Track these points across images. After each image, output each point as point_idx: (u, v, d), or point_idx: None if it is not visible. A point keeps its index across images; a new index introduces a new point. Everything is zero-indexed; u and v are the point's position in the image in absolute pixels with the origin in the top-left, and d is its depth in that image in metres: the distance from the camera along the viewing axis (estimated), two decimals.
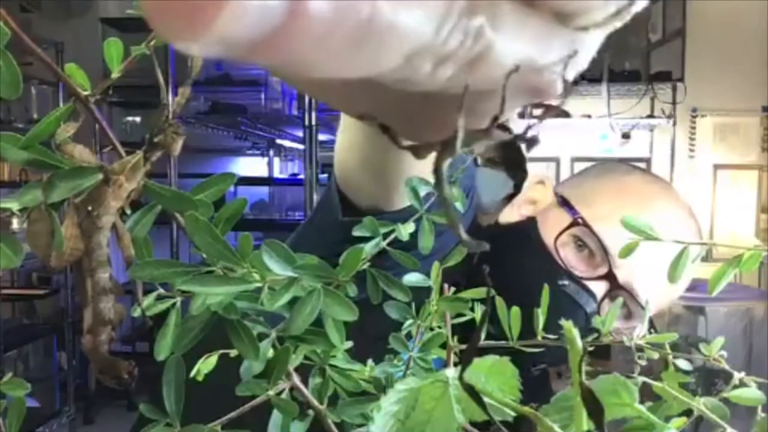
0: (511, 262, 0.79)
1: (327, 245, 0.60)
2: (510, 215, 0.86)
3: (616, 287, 0.75)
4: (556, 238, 0.78)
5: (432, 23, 0.18)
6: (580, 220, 0.77)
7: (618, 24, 0.22)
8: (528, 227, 0.82)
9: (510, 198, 0.89)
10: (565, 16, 0.20)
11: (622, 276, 0.75)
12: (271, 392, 0.36)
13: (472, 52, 0.19)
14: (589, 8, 0.20)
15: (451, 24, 0.18)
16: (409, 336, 0.42)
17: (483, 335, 0.31)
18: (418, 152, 0.23)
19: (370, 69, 0.19)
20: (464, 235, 0.22)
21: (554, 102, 0.24)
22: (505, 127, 0.24)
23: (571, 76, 0.23)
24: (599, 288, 0.76)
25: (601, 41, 0.24)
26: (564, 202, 0.81)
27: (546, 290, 0.42)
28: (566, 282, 0.75)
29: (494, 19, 0.19)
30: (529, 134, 0.24)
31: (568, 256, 0.78)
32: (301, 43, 0.17)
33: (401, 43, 0.18)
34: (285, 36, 0.16)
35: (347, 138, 0.57)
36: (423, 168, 0.57)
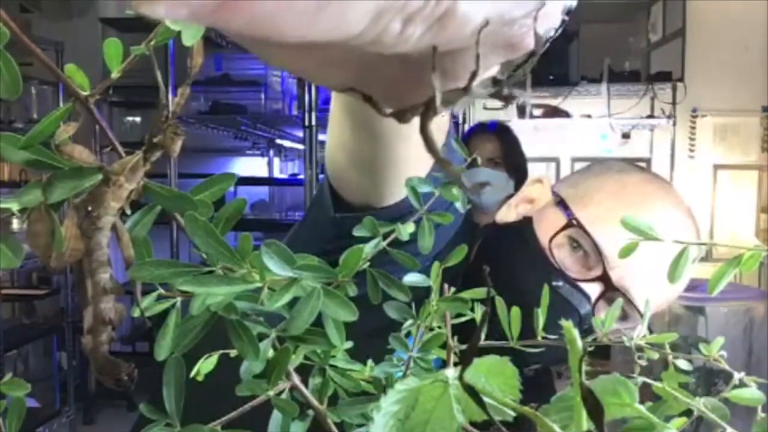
0: (505, 262, 0.78)
1: (320, 241, 0.60)
2: (507, 214, 0.86)
3: (610, 289, 0.75)
4: (551, 239, 0.78)
5: None
6: (574, 221, 0.77)
7: None
8: (523, 227, 0.81)
9: (509, 199, 0.89)
10: None
11: (616, 277, 0.75)
12: (271, 392, 0.36)
13: (438, 9, 0.20)
14: None
15: None
16: (408, 336, 0.42)
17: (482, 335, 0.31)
18: (402, 117, 0.23)
19: (337, 31, 0.19)
20: (468, 185, 0.23)
21: (527, 59, 0.24)
22: (496, 81, 0.24)
23: (542, 29, 0.23)
24: (593, 290, 0.75)
25: None
26: (560, 202, 0.81)
27: (546, 291, 0.42)
28: (560, 283, 0.75)
29: None
30: (506, 91, 0.24)
31: (563, 257, 0.77)
32: (263, 4, 0.17)
33: (365, 2, 0.18)
34: (241, 2, 0.16)
35: (337, 136, 0.57)
36: (411, 164, 0.57)
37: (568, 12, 0.24)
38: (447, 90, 0.22)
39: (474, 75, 0.22)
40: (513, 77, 0.24)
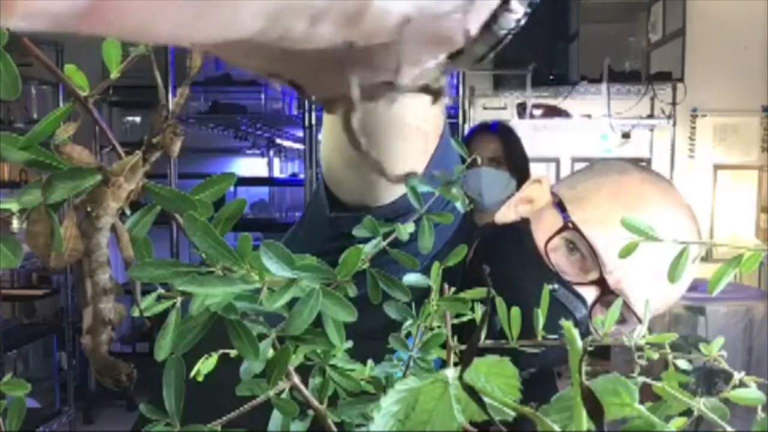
0: (501, 264, 0.78)
1: (318, 241, 0.60)
2: (506, 215, 0.85)
3: (607, 293, 0.74)
4: (547, 243, 0.77)
5: None
6: (570, 224, 0.77)
7: None
8: (521, 228, 0.81)
9: (509, 198, 0.89)
10: None
11: (613, 281, 0.74)
12: (271, 392, 0.36)
13: (348, 8, 0.19)
14: None
15: None
16: (408, 336, 0.42)
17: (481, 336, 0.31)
18: (330, 107, 0.23)
19: (226, 33, 0.18)
20: (392, 178, 0.23)
21: (460, 51, 0.24)
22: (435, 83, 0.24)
23: (473, 24, 0.23)
24: (590, 293, 0.75)
25: None
26: (558, 203, 0.80)
27: (546, 291, 0.42)
28: (556, 287, 0.74)
29: None
30: (435, 86, 0.23)
31: (560, 259, 0.77)
32: (135, 13, 0.16)
33: (256, 4, 0.18)
34: (109, 6, 0.15)
35: (331, 137, 0.58)
36: (403, 165, 0.57)
37: (531, 3, 0.24)
38: (374, 83, 0.22)
39: (398, 70, 0.22)
40: (446, 70, 0.24)
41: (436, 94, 0.24)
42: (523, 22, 0.24)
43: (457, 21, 0.22)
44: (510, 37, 0.24)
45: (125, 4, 0.16)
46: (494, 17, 0.24)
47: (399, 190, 0.57)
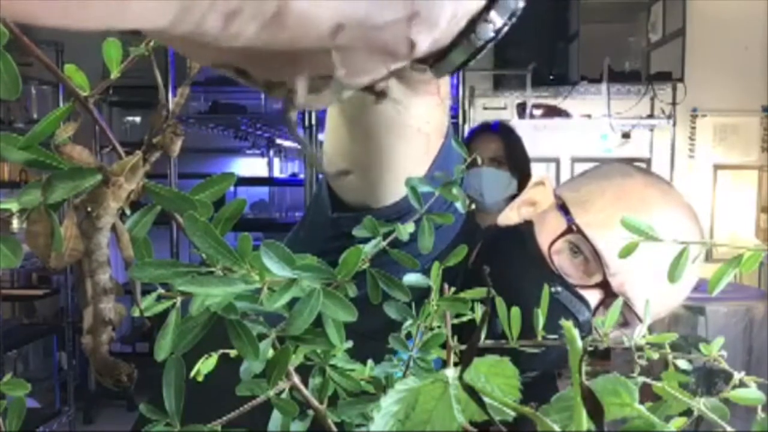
0: (504, 266, 0.78)
1: (319, 242, 0.60)
2: (509, 217, 0.85)
3: (610, 296, 0.74)
4: (551, 245, 0.77)
5: None
6: (574, 227, 0.77)
7: None
8: (524, 231, 0.81)
9: (512, 199, 0.89)
10: None
11: (616, 284, 0.74)
12: (271, 392, 0.36)
13: (266, 7, 0.19)
14: None
15: None
16: (408, 336, 0.42)
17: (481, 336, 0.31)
18: (271, 89, 0.23)
19: (121, 22, 0.18)
20: (325, 168, 0.23)
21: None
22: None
23: (423, 38, 0.22)
24: (593, 296, 0.75)
25: (458, 5, 0.23)
26: (561, 206, 0.80)
27: (546, 290, 0.42)
28: (559, 289, 0.74)
29: None
30: (378, 87, 0.24)
31: (563, 262, 0.77)
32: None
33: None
34: None
35: (334, 137, 0.57)
36: (405, 166, 0.57)
37: (512, 15, 0.24)
38: (316, 77, 0.22)
39: (345, 73, 0.22)
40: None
41: (378, 95, 0.24)
42: (503, 32, 0.24)
43: (399, 32, 0.22)
44: (489, 46, 0.24)
45: None
46: (472, 27, 0.24)
47: (401, 192, 0.57)
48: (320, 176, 0.64)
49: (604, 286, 0.74)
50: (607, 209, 0.77)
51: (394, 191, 0.58)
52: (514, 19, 0.24)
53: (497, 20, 0.24)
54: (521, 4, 0.24)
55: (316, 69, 0.22)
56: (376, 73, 0.24)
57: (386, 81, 0.24)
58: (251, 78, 0.24)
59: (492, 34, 0.24)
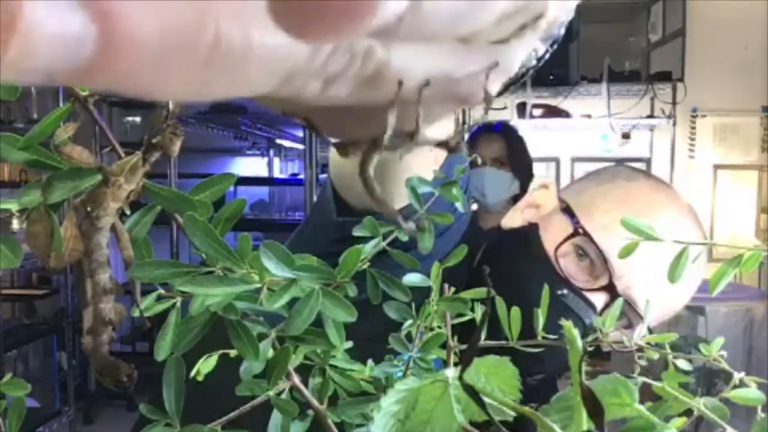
0: (509, 269, 0.78)
1: (323, 245, 0.60)
2: (513, 220, 0.85)
3: (616, 298, 0.74)
4: (557, 248, 0.77)
5: (304, 47, 0.17)
6: (580, 230, 0.77)
7: (536, 31, 0.21)
8: (529, 234, 0.81)
9: (515, 199, 0.89)
10: (467, 38, 0.20)
11: (622, 287, 0.74)
12: (271, 392, 0.36)
13: (365, 71, 0.19)
14: (481, 31, 0.20)
15: (330, 47, 0.18)
16: (409, 336, 0.42)
17: (482, 336, 0.31)
18: (345, 151, 0.23)
19: (237, 92, 0.18)
20: (405, 226, 0.22)
21: (484, 107, 0.24)
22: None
23: (495, 85, 0.23)
24: (599, 299, 0.75)
25: (531, 46, 0.23)
26: (566, 209, 0.80)
27: (546, 291, 0.42)
28: (565, 292, 0.74)
29: (390, 38, 0.18)
30: (453, 142, 0.24)
31: (569, 265, 0.77)
32: (130, 68, 0.15)
33: (267, 67, 0.17)
34: (106, 63, 0.15)
35: None
36: (413, 172, 0.57)
37: (554, 42, 0.24)
38: (395, 133, 0.22)
39: (417, 130, 0.22)
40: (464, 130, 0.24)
41: (453, 150, 0.24)
42: (544, 60, 0.25)
43: (477, 82, 0.22)
44: (529, 73, 0.24)
45: (131, 64, 0.15)
46: None
47: (407, 198, 0.57)
48: (321, 177, 0.64)
49: (610, 288, 0.74)
50: (612, 212, 0.77)
51: (402, 197, 0.58)
52: (555, 46, 0.24)
53: (540, 48, 0.24)
54: (562, 32, 0.24)
55: (384, 125, 0.22)
56: (443, 119, 0.24)
57: (460, 137, 0.24)
58: (320, 133, 0.24)
59: (534, 62, 0.24)
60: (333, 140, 0.24)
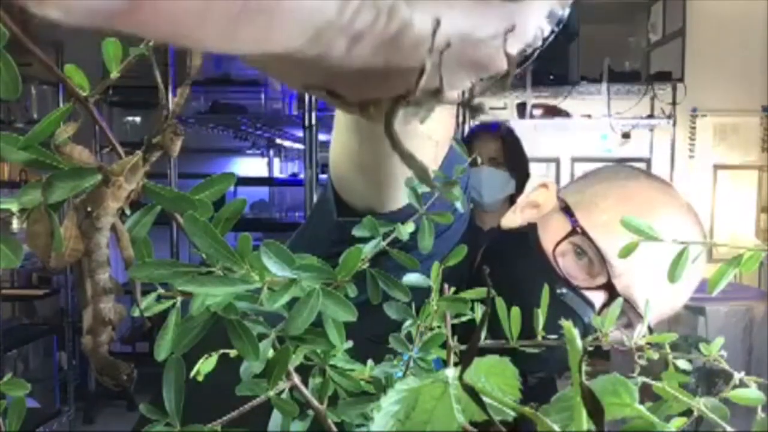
0: (509, 268, 0.78)
1: (323, 245, 0.60)
2: (513, 219, 0.85)
3: (615, 297, 0.74)
4: (555, 247, 0.77)
5: (332, 2, 0.18)
6: (579, 229, 0.77)
7: None
8: (528, 233, 0.81)
9: (511, 198, 0.89)
10: None
11: (621, 286, 0.74)
12: (271, 392, 0.36)
13: (388, 30, 0.19)
14: None
15: (357, 2, 0.18)
16: (409, 336, 0.42)
17: (482, 336, 0.31)
18: (366, 111, 0.23)
19: (267, 46, 0.18)
20: (433, 184, 0.22)
21: (505, 78, 0.24)
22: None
23: (514, 49, 0.23)
24: (598, 298, 0.75)
25: (543, 10, 0.23)
26: (565, 208, 0.80)
27: (546, 290, 0.42)
28: (564, 291, 0.74)
29: None
30: (475, 101, 0.24)
31: (568, 264, 0.77)
32: (171, 14, 0.16)
33: (297, 22, 0.18)
34: (147, 3, 0.15)
35: (341, 142, 0.57)
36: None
37: (559, 22, 0.24)
38: (422, 91, 0.22)
39: (441, 88, 0.22)
40: (486, 93, 0.24)
41: (475, 110, 0.24)
42: (549, 40, 0.25)
43: (496, 47, 0.22)
44: (535, 54, 0.24)
45: (166, 6, 0.16)
46: None
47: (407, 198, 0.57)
48: (321, 177, 0.64)
49: (609, 287, 0.74)
50: (611, 211, 0.77)
51: (401, 197, 0.58)
52: (560, 27, 0.24)
53: (546, 28, 0.24)
54: (567, 12, 0.24)
55: (407, 86, 0.22)
56: (464, 86, 0.24)
57: (484, 95, 0.24)
58: (344, 99, 0.24)
59: (541, 42, 0.24)
60: (357, 105, 0.24)
